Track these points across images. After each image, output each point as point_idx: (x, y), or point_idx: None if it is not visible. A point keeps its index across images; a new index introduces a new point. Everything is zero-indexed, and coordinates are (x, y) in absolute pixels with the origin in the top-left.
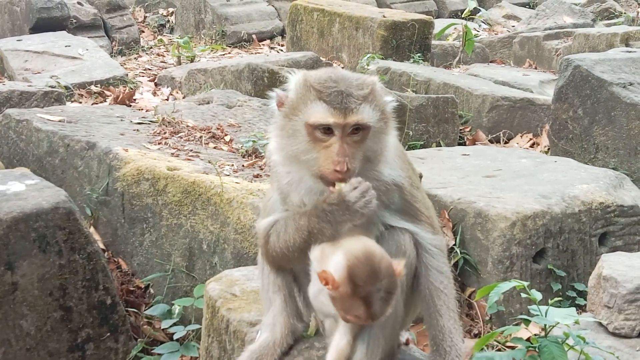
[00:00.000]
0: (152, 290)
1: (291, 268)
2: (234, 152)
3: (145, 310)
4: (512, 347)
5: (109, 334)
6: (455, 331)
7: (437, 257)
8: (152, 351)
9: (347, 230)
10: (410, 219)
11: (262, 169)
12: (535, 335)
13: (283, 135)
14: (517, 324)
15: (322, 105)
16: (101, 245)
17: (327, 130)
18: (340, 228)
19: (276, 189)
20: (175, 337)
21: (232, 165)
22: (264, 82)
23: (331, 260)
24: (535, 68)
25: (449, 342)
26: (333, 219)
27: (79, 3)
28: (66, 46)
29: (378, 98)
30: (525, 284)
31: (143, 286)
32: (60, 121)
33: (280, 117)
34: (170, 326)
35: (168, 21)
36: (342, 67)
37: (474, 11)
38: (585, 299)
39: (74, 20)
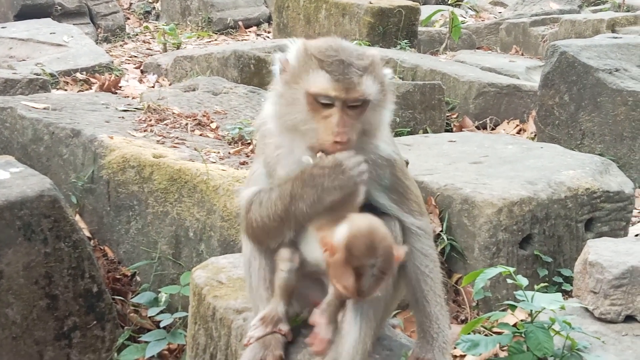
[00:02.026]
0: (138, 278)
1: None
2: (220, 139)
3: (131, 298)
4: (499, 333)
5: (95, 322)
6: (442, 317)
7: (422, 239)
8: (139, 339)
9: (333, 205)
10: (399, 198)
11: (248, 156)
12: (521, 320)
13: (282, 103)
14: (503, 310)
15: (324, 75)
16: (87, 233)
17: (328, 100)
18: (325, 196)
19: (262, 162)
20: (162, 324)
21: (218, 152)
22: (250, 69)
23: (336, 229)
24: (522, 54)
25: (436, 328)
26: (320, 184)
27: None
28: (51, 33)
29: (378, 70)
30: (512, 269)
31: (129, 274)
32: (44, 109)
33: (280, 83)
34: (157, 314)
35: (154, 8)
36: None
37: None
38: (572, 285)
39: (59, 7)
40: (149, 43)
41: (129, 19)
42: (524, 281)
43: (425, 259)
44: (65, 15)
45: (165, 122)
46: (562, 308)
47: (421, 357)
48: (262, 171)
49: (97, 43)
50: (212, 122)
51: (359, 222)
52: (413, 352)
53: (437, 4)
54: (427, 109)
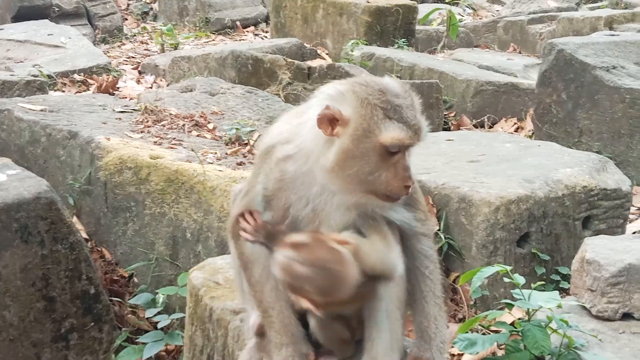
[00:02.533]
0: (136, 280)
1: None
2: (217, 139)
3: (129, 299)
4: (496, 332)
5: (92, 323)
6: (440, 318)
7: (424, 241)
8: (137, 340)
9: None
10: (409, 208)
11: (245, 157)
12: (518, 319)
13: (343, 156)
14: (501, 308)
15: (395, 124)
16: (84, 235)
17: (399, 148)
18: None
19: (262, 182)
20: (159, 326)
21: (216, 153)
22: (247, 69)
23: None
24: (520, 52)
25: (434, 328)
26: None
27: None
28: (49, 35)
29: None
30: (509, 268)
31: (127, 275)
32: (42, 110)
33: (343, 138)
34: (155, 315)
35: (151, 8)
36: (327, 54)
37: None
38: (569, 283)
39: (57, 9)
40: (147, 44)
41: (126, 19)
42: (520, 280)
43: (426, 260)
44: (62, 16)
45: (162, 123)
46: (559, 306)
47: (419, 356)
48: (260, 193)
49: (94, 44)
50: (209, 122)
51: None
52: (411, 352)
53: (434, 3)
54: (425, 107)
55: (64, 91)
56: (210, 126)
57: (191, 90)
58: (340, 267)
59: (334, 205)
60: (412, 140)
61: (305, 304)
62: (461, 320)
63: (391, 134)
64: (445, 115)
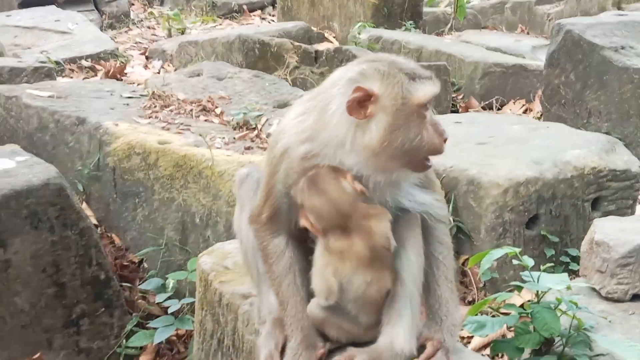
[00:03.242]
0: (146, 265)
1: None
2: (224, 124)
3: (139, 284)
4: (506, 314)
5: (103, 309)
6: (452, 301)
7: (439, 227)
8: (147, 325)
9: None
10: (426, 191)
11: (253, 141)
12: (528, 301)
13: (391, 131)
14: (510, 291)
15: (421, 82)
16: (94, 221)
17: (429, 104)
18: None
19: (282, 181)
20: (169, 310)
21: (223, 137)
22: (255, 53)
23: None
24: (528, 33)
25: (445, 311)
26: None
27: None
28: (56, 21)
29: None
30: (518, 250)
31: (137, 261)
32: (49, 97)
33: (380, 115)
34: (165, 300)
35: None
36: (334, 37)
37: None
38: (579, 264)
39: None
40: (154, 29)
41: (133, 4)
42: (530, 262)
43: (440, 246)
44: (69, 2)
45: (170, 108)
46: (569, 288)
47: (430, 337)
48: (282, 191)
49: (101, 30)
50: (216, 107)
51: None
52: (422, 334)
53: None
54: None
55: (71, 77)
56: (218, 111)
57: (198, 75)
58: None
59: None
60: (438, 89)
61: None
62: (470, 302)
63: (423, 91)
64: (453, 97)
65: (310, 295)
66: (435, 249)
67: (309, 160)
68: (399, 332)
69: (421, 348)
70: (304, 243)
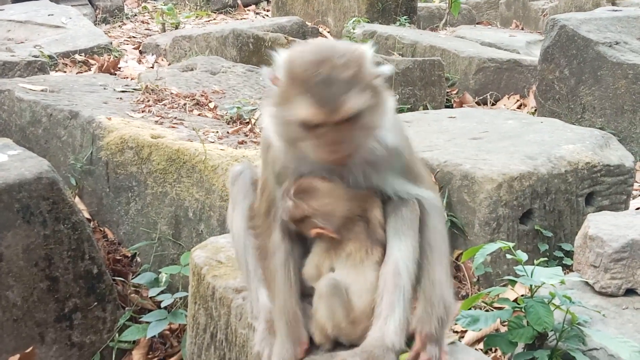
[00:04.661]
0: (138, 259)
1: None
2: (218, 118)
3: (132, 278)
4: (499, 308)
5: (96, 303)
6: (445, 283)
7: (433, 213)
8: (140, 319)
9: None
10: (412, 181)
11: (247, 135)
12: (521, 295)
13: (277, 122)
14: (504, 285)
15: (307, 100)
16: (86, 215)
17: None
18: None
19: (271, 171)
20: (162, 305)
21: (217, 132)
22: (249, 48)
23: None
24: (522, 29)
25: (439, 294)
26: None
27: None
28: (49, 15)
29: (367, 75)
30: (512, 245)
31: (130, 255)
32: (42, 91)
33: (271, 101)
34: (158, 294)
35: None
36: (328, 32)
37: None
38: (572, 259)
39: None
40: (148, 23)
41: None
42: (523, 256)
43: (436, 234)
44: None
45: (163, 102)
46: (562, 282)
47: (419, 329)
48: (274, 182)
49: (95, 24)
50: (210, 101)
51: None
52: (411, 324)
53: None
54: (427, 85)
55: (65, 72)
56: (212, 105)
57: (192, 70)
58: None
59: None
60: (324, 118)
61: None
62: (464, 297)
63: (302, 110)
64: (447, 92)
65: (303, 290)
66: (431, 236)
67: (266, 137)
68: (390, 326)
69: (411, 340)
70: (300, 239)
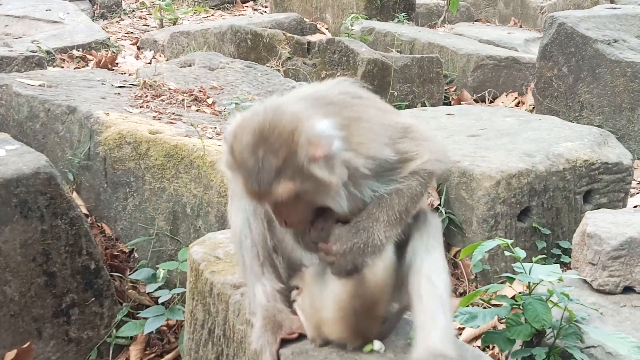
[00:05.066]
0: (136, 255)
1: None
2: (216, 114)
3: (129, 274)
4: (497, 305)
5: (93, 298)
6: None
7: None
8: (138, 315)
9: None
10: (399, 170)
11: (229, 182)
12: (519, 293)
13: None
14: (502, 282)
15: (242, 181)
16: (84, 210)
17: None
18: None
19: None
20: (160, 300)
21: (215, 127)
22: (247, 44)
23: None
24: (520, 26)
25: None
26: None
27: None
28: (47, 10)
29: (298, 161)
30: (510, 242)
31: (127, 250)
32: (40, 86)
33: (227, 160)
34: (155, 290)
35: None
36: (327, 28)
37: None
38: (570, 257)
39: None
40: (146, 19)
41: None
42: (521, 253)
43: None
44: None
45: (161, 98)
46: (560, 280)
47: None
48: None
49: (93, 20)
50: (208, 97)
51: None
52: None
53: None
54: (425, 82)
55: (62, 67)
56: (210, 101)
57: (190, 65)
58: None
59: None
60: (255, 198)
61: None
62: (462, 294)
63: (238, 184)
64: (445, 89)
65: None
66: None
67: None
68: (434, 336)
69: None
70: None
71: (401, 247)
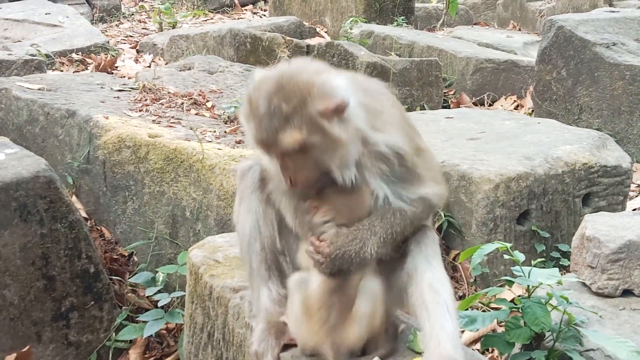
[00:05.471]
0: (135, 258)
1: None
2: (216, 118)
3: (129, 278)
4: (497, 309)
5: (93, 302)
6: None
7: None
8: (137, 319)
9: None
10: (409, 186)
11: (244, 135)
12: (518, 296)
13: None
14: (501, 286)
15: (254, 129)
16: (83, 214)
17: None
18: None
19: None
20: (159, 304)
21: (214, 131)
22: (246, 47)
23: None
24: (519, 30)
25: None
26: None
27: None
28: (46, 14)
29: (308, 108)
30: (509, 245)
31: (127, 254)
32: (39, 89)
33: (244, 111)
34: (155, 293)
35: None
36: (326, 32)
37: None
38: (569, 260)
39: None
40: (145, 23)
41: None
42: (520, 257)
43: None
44: None
45: (160, 101)
46: (560, 283)
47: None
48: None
49: (92, 23)
50: (207, 101)
51: None
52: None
53: None
54: (424, 85)
55: (62, 70)
56: (209, 104)
57: (189, 69)
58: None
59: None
60: (262, 148)
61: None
62: (461, 297)
63: (250, 133)
64: (444, 93)
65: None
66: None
67: None
68: (446, 343)
69: None
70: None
71: (395, 261)
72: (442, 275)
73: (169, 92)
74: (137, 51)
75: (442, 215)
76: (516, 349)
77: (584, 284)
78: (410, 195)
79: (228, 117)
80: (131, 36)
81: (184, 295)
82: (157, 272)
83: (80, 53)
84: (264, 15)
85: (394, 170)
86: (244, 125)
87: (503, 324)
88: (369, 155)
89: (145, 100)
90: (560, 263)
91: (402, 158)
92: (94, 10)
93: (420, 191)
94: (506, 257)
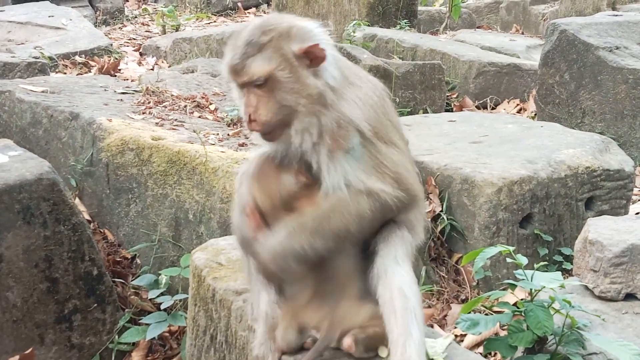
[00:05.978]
0: (138, 261)
1: None
2: (219, 121)
3: (132, 280)
4: (499, 312)
5: (96, 304)
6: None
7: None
8: (140, 321)
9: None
10: (369, 169)
11: (247, 138)
12: (521, 299)
13: None
14: (503, 289)
15: (228, 54)
16: (87, 216)
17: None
18: None
19: None
20: (162, 307)
21: (217, 134)
22: None
23: None
24: (522, 33)
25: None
26: None
27: None
28: (50, 16)
29: (282, 45)
30: (511, 248)
31: (129, 257)
32: (43, 92)
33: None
34: (158, 296)
35: None
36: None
37: None
38: (572, 264)
39: None
40: (148, 25)
41: (127, 1)
42: (523, 260)
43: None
44: None
45: (164, 104)
46: (562, 287)
47: None
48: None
49: (95, 26)
50: (211, 103)
51: None
52: None
53: None
54: (427, 89)
55: (65, 73)
56: (212, 107)
57: (193, 72)
58: None
59: None
60: (231, 76)
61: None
62: (464, 301)
63: (223, 64)
64: (447, 96)
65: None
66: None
67: None
68: (411, 350)
69: None
70: None
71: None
72: (410, 278)
73: (172, 95)
74: (141, 54)
75: (445, 218)
76: (519, 353)
77: (586, 288)
78: (356, 185)
79: (231, 120)
80: (134, 39)
81: (187, 297)
82: (160, 274)
83: (83, 56)
84: None
85: (350, 149)
86: (223, 73)
87: (505, 327)
88: (330, 124)
89: (149, 102)
90: (563, 267)
91: (364, 137)
92: (98, 13)
93: (372, 184)
94: (509, 260)
